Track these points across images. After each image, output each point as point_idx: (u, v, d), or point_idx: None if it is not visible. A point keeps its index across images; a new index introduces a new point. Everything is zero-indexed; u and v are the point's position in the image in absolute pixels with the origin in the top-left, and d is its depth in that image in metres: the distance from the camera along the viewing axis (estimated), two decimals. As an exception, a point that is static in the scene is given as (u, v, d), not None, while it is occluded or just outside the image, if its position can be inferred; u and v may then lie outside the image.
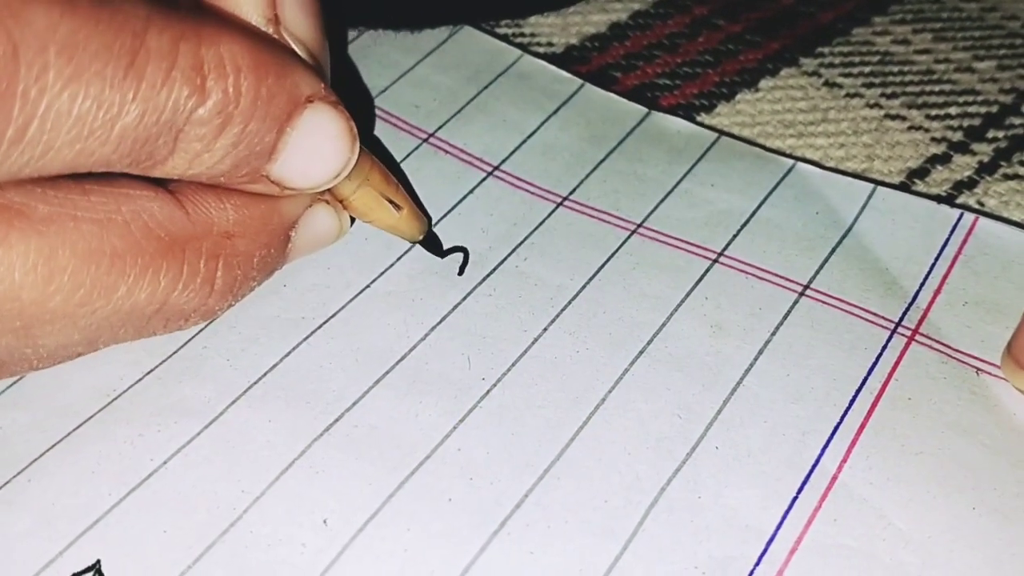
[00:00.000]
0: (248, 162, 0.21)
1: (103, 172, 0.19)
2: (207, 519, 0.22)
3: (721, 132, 0.31)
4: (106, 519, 0.22)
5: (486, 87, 0.33)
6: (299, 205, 0.24)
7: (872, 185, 0.29)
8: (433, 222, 0.28)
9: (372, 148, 0.25)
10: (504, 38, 0.35)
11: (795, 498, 0.22)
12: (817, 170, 0.30)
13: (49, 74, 0.17)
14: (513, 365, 0.25)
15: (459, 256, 0.27)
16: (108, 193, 0.20)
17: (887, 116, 0.33)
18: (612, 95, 0.32)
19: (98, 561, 0.21)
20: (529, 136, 0.31)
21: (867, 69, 0.36)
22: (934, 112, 0.34)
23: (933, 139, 0.33)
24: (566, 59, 0.35)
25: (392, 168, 0.26)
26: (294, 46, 0.22)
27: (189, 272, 0.21)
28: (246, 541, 0.21)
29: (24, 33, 0.16)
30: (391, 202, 0.25)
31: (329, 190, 0.23)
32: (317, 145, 0.21)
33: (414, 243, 0.27)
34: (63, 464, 0.23)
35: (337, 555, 0.21)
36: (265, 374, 0.24)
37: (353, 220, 0.26)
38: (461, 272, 0.27)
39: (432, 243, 0.27)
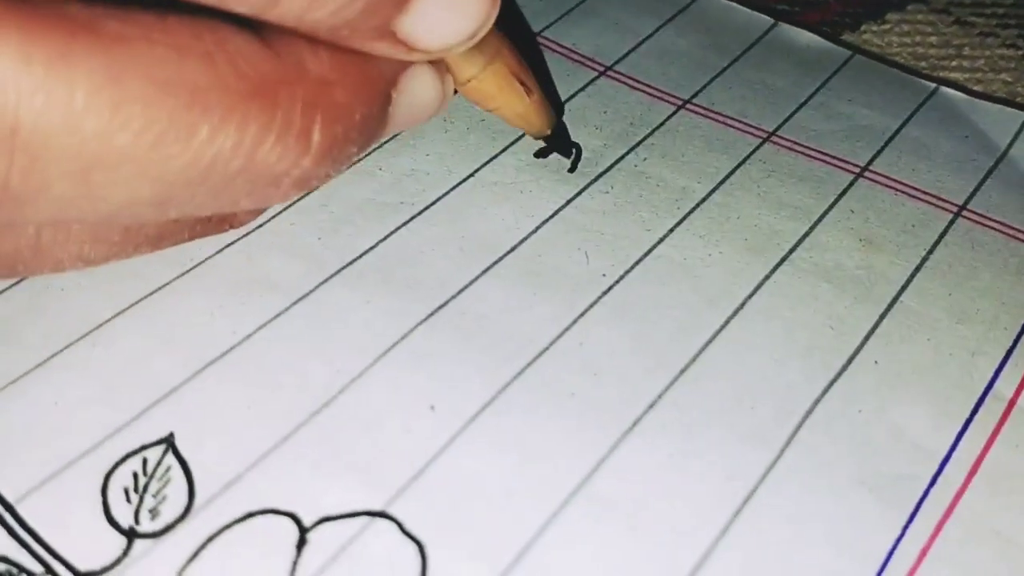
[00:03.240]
0: (379, 10, 0.17)
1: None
2: (297, 398, 0.19)
3: (856, 49, 0.28)
4: (180, 391, 0.19)
5: (596, -11, 0.30)
6: (400, 61, 0.20)
7: (1025, 113, 0.27)
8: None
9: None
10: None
11: (969, 420, 0.19)
12: (962, 96, 0.27)
13: None
14: (637, 263, 0.22)
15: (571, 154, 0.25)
16: (187, 20, 0.16)
17: (1027, 56, 0.31)
18: (733, 4, 0.30)
19: (171, 434, 0.19)
20: (644, 40, 0.28)
21: (1000, 11, 0.33)
22: (1077, 56, 0.31)
23: (1078, 81, 0.30)
24: (676, -23, 0.32)
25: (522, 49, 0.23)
26: None
27: (283, 120, 0.17)
28: (341, 423, 0.19)
29: None
30: (522, 84, 0.22)
31: (448, 66, 0.20)
32: None
33: (540, 138, 0.24)
34: (131, 331, 0.20)
35: (447, 443, 0.18)
36: (361, 255, 0.22)
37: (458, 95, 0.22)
38: (573, 168, 0.24)
39: (561, 139, 0.24)
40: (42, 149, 0.15)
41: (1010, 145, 0.26)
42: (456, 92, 0.21)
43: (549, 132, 0.23)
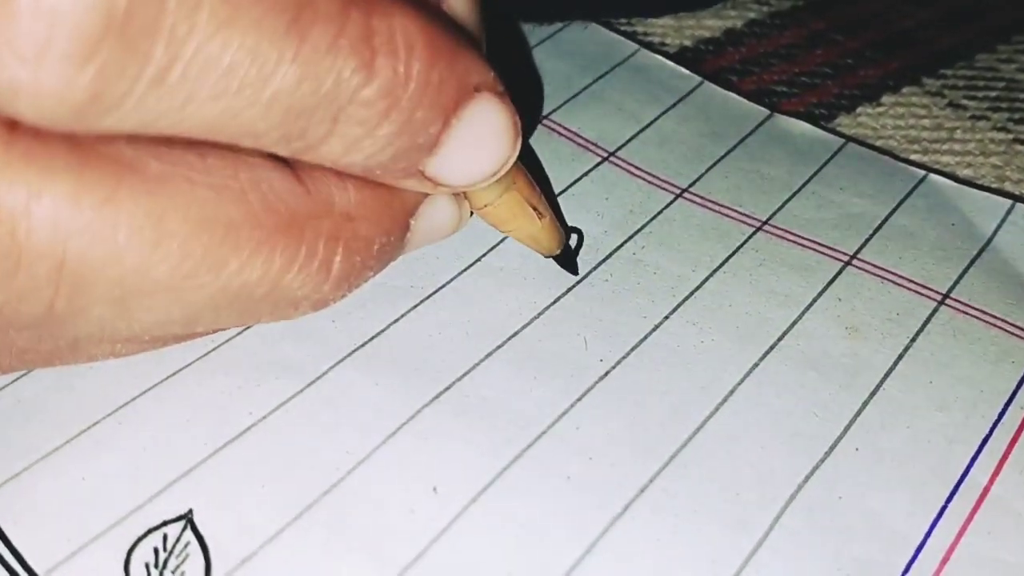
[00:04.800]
0: (408, 155, 0.19)
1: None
2: (308, 477, 0.20)
3: (848, 138, 0.30)
4: (199, 469, 0.21)
5: (601, 76, 0.32)
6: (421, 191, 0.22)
7: (1010, 201, 0.28)
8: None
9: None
10: (618, 34, 0.34)
11: (944, 507, 0.20)
12: (950, 183, 0.28)
13: (203, 13, 0.15)
14: (633, 350, 0.23)
15: (573, 239, 0.26)
16: (226, 157, 0.18)
17: (1016, 140, 0.32)
18: (732, 94, 0.31)
19: (190, 511, 0.20)
20: (646, 127, 0.30)
21: (992, 94, 0.34)
22: (1066, 141, 0.32)
23: (1066, 166, 0.31)
24: (680, 60, 0.34)
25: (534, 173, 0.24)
26: None
27: (307, 253, 0.19)
28: (350, 502, 0.20)
29: None
30: (534, 209, 0.23)
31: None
32: (480, 140, 0.19)
33: (548, 256, 0.25)
34: (156, 410, 0.22)
35: (449, 523, 0.20)
36: (372, 338, 0.23)
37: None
38: (574, 268, 0.25)
39: (568, 257, 0.25)
40: (85, 279, 0.17)
41: (994, 233, 0.27)
42: (472, 213, 0.23)
43: (558, 252, 0.25)
